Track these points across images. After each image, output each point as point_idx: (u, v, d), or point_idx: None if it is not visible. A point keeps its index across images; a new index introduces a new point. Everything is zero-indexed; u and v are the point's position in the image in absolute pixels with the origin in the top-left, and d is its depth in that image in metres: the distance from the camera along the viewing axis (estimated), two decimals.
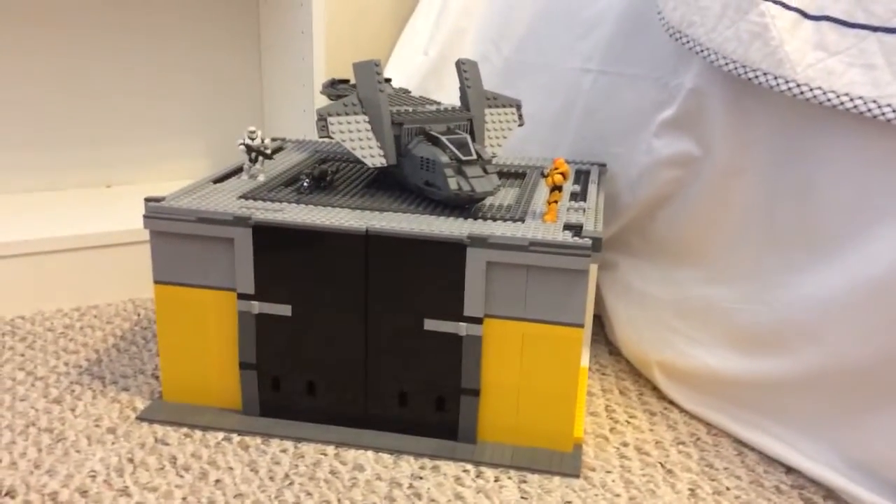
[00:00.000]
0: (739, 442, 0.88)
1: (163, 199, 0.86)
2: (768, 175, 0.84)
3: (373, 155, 0.88)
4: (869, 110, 0.71)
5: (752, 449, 0.87)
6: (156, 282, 0.87)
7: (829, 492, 0.80)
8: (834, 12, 0.75)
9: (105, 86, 1.39)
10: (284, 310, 0.85)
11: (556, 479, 0.81)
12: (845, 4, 0.74)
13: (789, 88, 0.76)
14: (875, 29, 0.72)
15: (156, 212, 0.85)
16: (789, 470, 0.83)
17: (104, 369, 1.00)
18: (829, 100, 0.73)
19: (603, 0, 1.07)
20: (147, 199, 0.85)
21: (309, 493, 0.77)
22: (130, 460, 0.82)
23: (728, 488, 0.80)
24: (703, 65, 0.89)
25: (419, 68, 1.31)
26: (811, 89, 0.74)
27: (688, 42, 0.87)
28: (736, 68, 0.80)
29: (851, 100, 0.72)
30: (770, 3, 0.78)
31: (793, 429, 0.83)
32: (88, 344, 1.07)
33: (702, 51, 0.85)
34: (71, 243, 1.17)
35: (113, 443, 0.85)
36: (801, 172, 0.80)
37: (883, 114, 0.70)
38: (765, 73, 0.78)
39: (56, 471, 0.80)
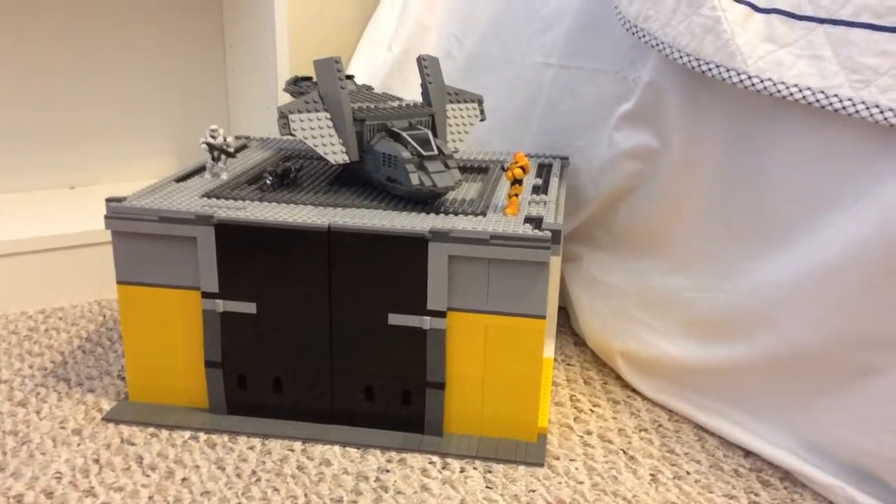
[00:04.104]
0: (700, 427, 0.90)
1: (124, 199, 0.86)
2: (723, 166, 0.86)
3: (335, 152, 0.89)
4: (817, 101, 0.73)
5: (712, 434, 0.89)
6: (119, 282, 0.87)
7: (785, 473, 0.82)
8: (783, 5, 0.77)
9: (68, 86, 1.38)
10: (249, 307, 0.85)
11: (521, 468, 0.82)
12: None
13: (741, 80, 0.77)
14: (822, 21, 0.74)
15: (117, 212, 0.85)
16: (748, 453, 0.85)
17: (69, 371, 1.00)
18: (779, 91, 0.75)
19: None
20: (108, 200, 0.85)
21: (276, 489, 0.78)
22: (96, 461, 0.82)
23: (688, 473, 0.82)
24: (660, 58, 0.90)
25: (383, 64, 1.32)
26: (762, 81, 0.76)
27: (644, 36, 0.89)
28: (690, 61, 0.82)
29: (800, 91, 0.74)
30: None
31: (751, 413, 0.85)
32: (53, 346, 1.06)
33: (657, 44, 0.86)
34: (35, 245, 1.17)
35: (79, 444, 0.84)
36: (755, 163, 0.82)
37: (830, 104, 0.72)
38: (717, 66, 0.79)
39: (21, 473, 0.79)
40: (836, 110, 0.72)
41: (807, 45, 0.74)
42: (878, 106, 0.69)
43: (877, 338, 0.72)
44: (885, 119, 0.68)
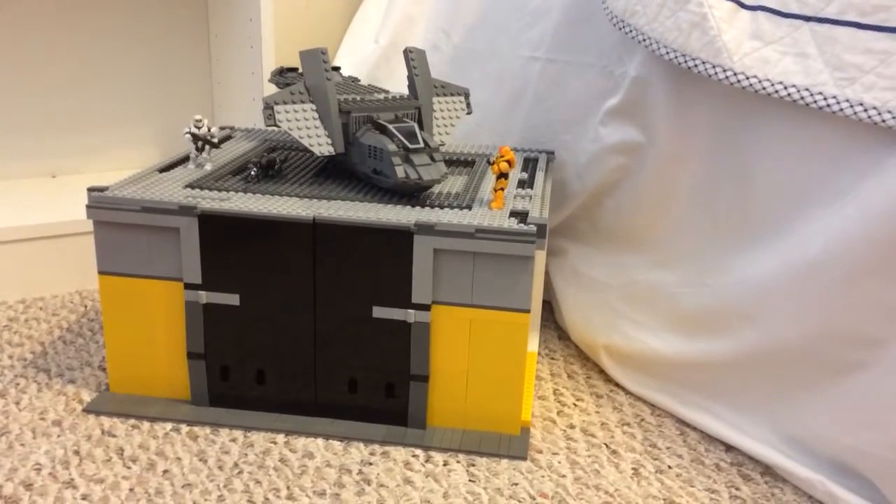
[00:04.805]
0: (682, 422, 0.90)
1: (106, 188, 0.85)
2: (709, 162, 0.86)
3: (320, 143, 0.88)
4: (802, 98, 0.73)
5: (694, 428, 0.89)
6: (100, 272, 0.86)
7: (766, 468, 0.82)
8: (769, 2, 0.77)
9: (50, 73, 1.36)
10: (232, 299, 0.85)
11: (504, 461, 0.82)
12: None
13: (727, 77, 0.77)
14: (808, 19, 0.74)
15: (99, 201, 0.84)
16: (729, 448, 0.86)
17: (50, 362, 0.99)
18: (764, 88, 0.75)
19: None
20: (90, 189, 0.84)
21: (258, 482, 0.78)
22: (76, 452, 0.81)
23: (670, 467, 0.83)
24: (647, 54, 0.91)
25: (370, 56, 1.31)
26: (747, 77, 0.76)
27: (631, 31, 0.89)
28: (676, 57, 0.82)
29: (785, 88, 0.74)
30: None
31: (732, 408, 0.85)
32: (33, 336, 1.05)
33: (644, 40, 0.86)
34: (15, 234, 1.15)
35: (59, 435, 0.84)
36: (740, 159, 0.82)
37: (815, 101, 0.72)
38: (703, 62, 0.79)
39: (0, 464, 0.79)
40: (820, 108, 0.72)
41: (792, 43, 0.75)
42: (861, 104, 0.69)
43: (858, 334, 0.72)
44: (869, 117, 0.69)
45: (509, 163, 0.84)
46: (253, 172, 0.92)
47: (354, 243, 0.81)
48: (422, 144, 0.85)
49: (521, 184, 0.93)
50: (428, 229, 0.79)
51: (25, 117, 1.36)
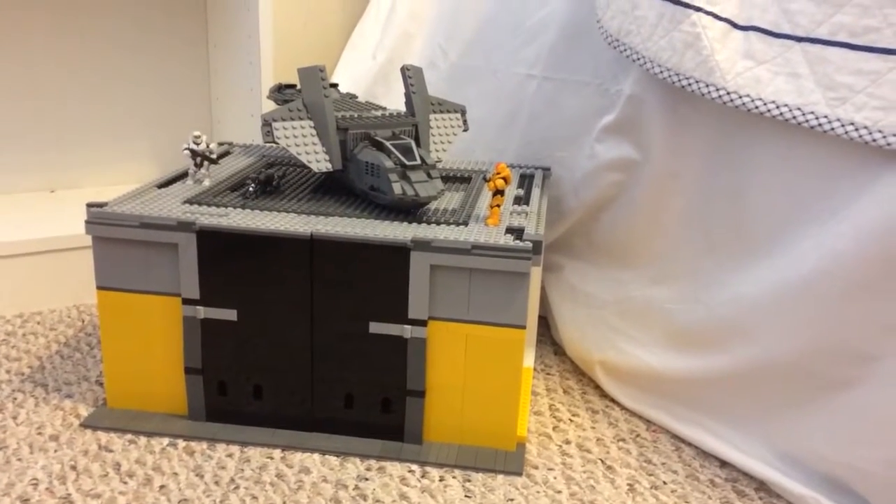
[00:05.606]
0: (677, 438, 0.91)
1: (105, 204, 0.86)
2: (703, 179, 0.87)
3: (318, 160, 0.89)
4: (794, 117, 0.74)
5: (689, 444, 0.89)
6: (99, 287, 0.86)
7: (761, 484, 0.83)
8: (761, 23, 0.78)
9: (49, 88, 1.37)
10: (230, 314, 0.85)
11: (500, 477, 0.82)
12: (772, 15, 0.77)
13: (720, 96, 0.78)
14: (799, 39, 0.75)
15: (98, 217, 0.84)
16: (724, 464, 0.86)
17: (47, 376, 0.99)
18: (757, 107, 0.76)
19: (547, 7, 1.09)
20: (89, 205, 0.85)
21: (254, 497, 0.78)
22: (73, 468, 0.81)
23: (665, 482, 0.83)
24: (641, 72, 0.92)
25: (367, 73, 1.32)
26: (740, 97, 0.77)
27: (625, 50, 0.90)
28: (670, 76, 0.83)
29: (778, 107, 0.75)
30: (702, 14, 0.80)
31: (727, 424, 0.86)
32: (31, 351, 1.05)
33: (638, 59, 0.88)
34: (13, 249, 1.16)
35: (56, 450, 0.84)
36: (733, 177, 0.83)
37: (807, 121, 0.73)
38: (697, 81, 0.80)
39: None
40: (812, 127, 0.73)
41: (784, 63, 0.76)
42: (853, 123, 0.70)
43: (851, 350, 0.73)
44: (860, 136, 0.70)
45: (505, 179, 0.85)
46: (251, 188, 0.93)
47: (351, 259, 0.81)
48: (418, 161, 0.86)
49: (518, 200, 0.94)
50: (424, 245, 0.80)
51: (24, 132, 1.37)
